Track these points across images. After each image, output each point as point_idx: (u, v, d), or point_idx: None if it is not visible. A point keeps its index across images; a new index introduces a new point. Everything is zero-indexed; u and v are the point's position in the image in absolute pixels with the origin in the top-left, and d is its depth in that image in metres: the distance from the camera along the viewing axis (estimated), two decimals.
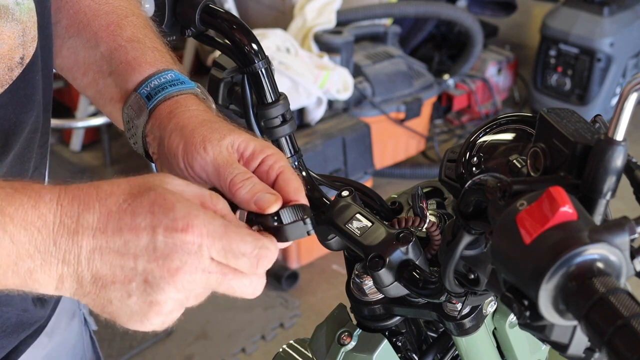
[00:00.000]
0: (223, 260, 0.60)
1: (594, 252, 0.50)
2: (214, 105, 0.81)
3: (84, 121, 3.10)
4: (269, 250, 0.62)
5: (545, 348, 1.03)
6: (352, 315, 0.95)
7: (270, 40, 2.78)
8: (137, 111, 0.77)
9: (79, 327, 1.01)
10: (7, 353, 0.86)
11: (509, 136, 0.77)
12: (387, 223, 0.81)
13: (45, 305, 0.91)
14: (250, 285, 0.62)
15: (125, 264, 0.58)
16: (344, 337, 0.93)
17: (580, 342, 0.55)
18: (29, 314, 0.87)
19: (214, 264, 0.60)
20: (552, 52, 3.46)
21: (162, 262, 0.58)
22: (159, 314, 0.60)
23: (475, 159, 0.73)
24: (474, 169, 0.72)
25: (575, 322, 0.52)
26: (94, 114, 3.17)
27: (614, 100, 3.47)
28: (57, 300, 0.94)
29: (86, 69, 0.82)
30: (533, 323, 0.53)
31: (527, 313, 0.52)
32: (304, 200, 0.69)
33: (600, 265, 0.50)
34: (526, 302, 0.52)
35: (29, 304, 0.89)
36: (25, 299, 0.88)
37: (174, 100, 0.75)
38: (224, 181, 0.68)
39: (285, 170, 0.70)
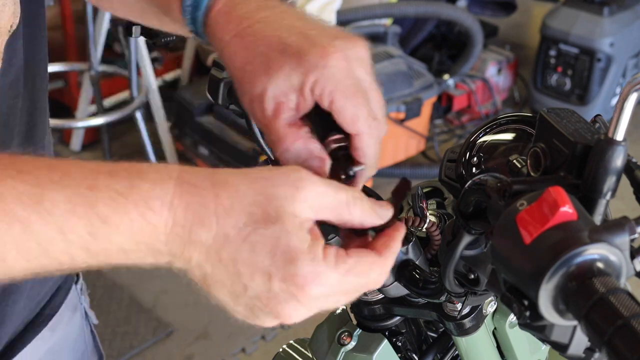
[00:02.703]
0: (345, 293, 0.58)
1: (594, 252, 0.50)
2: None
3: (84, 121, 3.10)
4: (387, 270, 0.58)
5: (545, 348, 1.03)
6: (352, 315, 0.95)
7: None
8: (202, 41, 0.70)
9: (81, 322, 1.01)
10: (11, 344, 0.86)
11: (509, 136, 0.77)
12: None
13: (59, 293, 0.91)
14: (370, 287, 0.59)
15: (235, 285, 0.55)
16: (344, 337, 0.93)
17: (580, 342, 0.55)
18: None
19: (332, 300, 0.57)
20: (552, 52, 3.46)
21: (273, 304, 0.55)
22: (263, 325, 0.58)
23: (475, 159, 0.73)
24: (474, 169, 0.72)
25: (575, 322, 0.52)
26: (94, 114, 3.18)
27: (614, 100, 3.47)
28: (65, 293, 0.94)
29: (143, 14, 0.78)
30: (533, 323, 0.53)
31: (527, 313, 0.52)
32: (362, 126, 0.60)
33: (600, 265, 0.50)
34: (526, 302, 0.52)
35: (43, 296, 0.89)
36: (39, 292, 0.89)
37: (208, 32, 0.66)
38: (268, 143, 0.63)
39: (335, 96, 0.60)
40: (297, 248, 0.53)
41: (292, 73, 0.60)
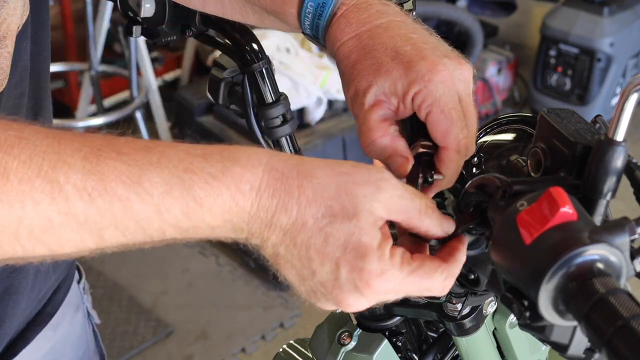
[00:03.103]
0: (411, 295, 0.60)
1: (594, 252, 0.50)
2: None
3: (84, 121, 3.10)
4: (453, 278, 0.60)
5: (545, 348, 1.03)
6: (352, 315, 0.95)
7: (270, 40, 2.78)
8: (319, 47, 0.75)
9: (83, 321, 1.01)
10: (12, 343, 0.86)
11: (509, 136, 0.77)
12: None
13: (59, 292, 0.92)
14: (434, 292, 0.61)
15: (304, 270, 0.58)
16: (344, 337, 0.93)
17: (580, 342, 0.55)
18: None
19: (392, 295, 0.59)
20: (552, 52, 3.46)
21: (337, 292, 0.58)
22: (323, 308, 0.61)
23: (475, 159, 0.73)
24: (474, 169, 0.72)
25: (575, 323, 0.52)
26: (94, 114, 3.18)
27: (614, 100, 3.47)
28: (66, 291, 0.95)
29: (241, 12, 0.80)
30: (533, 323, 0.53)
31: (527, 313, 0.52)
32: (451, 142, 0.65)
33: (600, 265, 0.50)
34: (526, 303, 0.52)
35: (44, 296, 0.90)
36: (41, 291, 0.90)
37: (328, 34, 0.71)
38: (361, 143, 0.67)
39: (432, 109, 0.65)
40: (368, 245, 0.56)
41: (399, 80, 0.65)
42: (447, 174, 0.67)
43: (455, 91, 0.66)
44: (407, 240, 0.62)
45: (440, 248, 0.62)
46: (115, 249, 0.58)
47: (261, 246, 0.59)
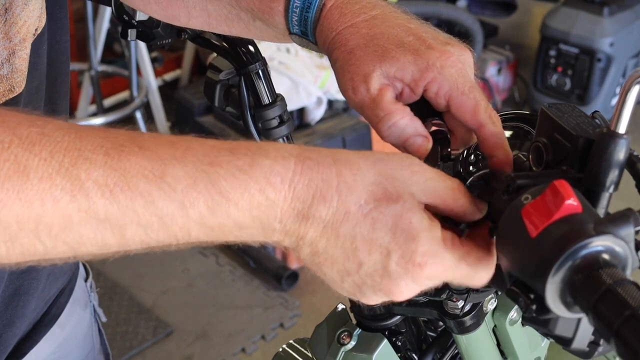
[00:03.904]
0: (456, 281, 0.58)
1: (599, 244, 0.50)
2: None
3: (84, 121, 3.10)
4: (492, 270, 0.59)
5: (545, 345, 1.03)
6: (352, 315, 0.95)
7: None
8: (308, 46, 0.74)
9: (90, 319, 1.02)
10: (20, 343, 0.86)
11: (506, 134, 0.77)
12: None
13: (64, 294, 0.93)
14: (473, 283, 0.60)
15: (348, 262, 0.55)
16: (344, 337, 0.93)
17: (584, 335, 0.54)
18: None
19: (439, 281, 0.57)
20: (552, 52, 3.46)
21: (386, 281, 0.55)
22: (369, 302, 0.58)
23: (472, 157, 0.73)
24: (471, 167, 0.72)
25: (582, 315, 0.52)
26: (94, 114, 3.18)
27: (614, 100, 3.47)
28: (70, 292, 0.95)
29: (226, 21, 0.79)
30: (539, 317, 0.53)
31: (534, 307, 0.52)
32: (485, 117, 0.64)
33: (606, 257, 0.50)
34: (532, 296, 0.52)
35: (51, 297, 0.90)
36: (49, 293, 0.90)
37: (319, 26, 0.71)
38: (373, 127, 0.65)
39: (452, 94, 0.64)
40: (418, 226, 0.54)
41: (408, 67, 0.65)
42: (499, 153, 0.64)
43: (466, 73, 0.66)
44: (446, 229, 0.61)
45: (477, 239, 0.60)
46: (139, 249, 0.56)
47: (297, 246, 0.56)
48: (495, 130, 0.65)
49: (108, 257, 0.57)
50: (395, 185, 0.55)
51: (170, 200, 0.52)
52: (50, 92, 0.79)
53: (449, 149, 0.67)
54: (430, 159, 0.66)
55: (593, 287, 0.48)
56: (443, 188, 0.57)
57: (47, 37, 0.76)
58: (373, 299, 0.58)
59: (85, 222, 0.52)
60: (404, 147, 0.64)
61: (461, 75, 0.66)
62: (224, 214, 0.53)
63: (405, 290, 0.56)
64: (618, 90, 3.42)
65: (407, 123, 0.64)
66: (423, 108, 0.67)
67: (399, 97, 0.67)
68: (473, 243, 0.58)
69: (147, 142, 0.53)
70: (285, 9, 0.72)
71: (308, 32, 0.72)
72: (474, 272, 0.58)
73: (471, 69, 0.67)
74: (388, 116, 0.64)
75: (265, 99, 0.91)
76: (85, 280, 1.01)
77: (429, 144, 0.65)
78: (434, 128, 0.67)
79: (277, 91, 0.94)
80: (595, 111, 0.64)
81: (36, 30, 0.72)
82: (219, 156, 0.54)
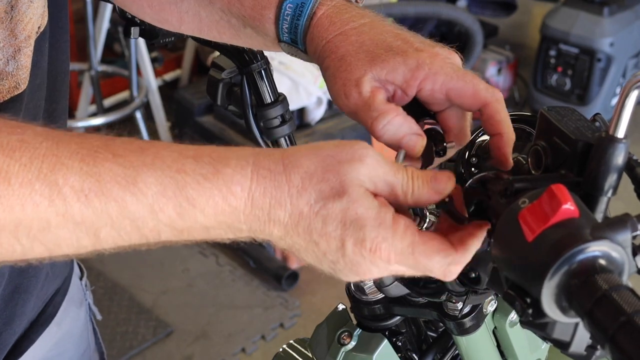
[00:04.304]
0: (414, 271, 0.60)
1: (596, 249, 0.50)
2: None
3: (84, 121, 3.10)
4: (459, 265, 0.60)
5: (545, 347, 1.03)
6: (352, 315, 0.95)
7: None
8: (297, 54, 0.76)
9: (85, 317, 1.02)
10: (19, 342, 0.87)
11: None
12: None
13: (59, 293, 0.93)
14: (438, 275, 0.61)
15: (315, 251, 0.59)
16: (344, 337, 0.93)
17: (581, 339, 0.55)
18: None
19: (401, 268, 0.59)
20: (552, 52, 3.46)
21: (350, 265, 0.58)
22: (348, 281, 0.62)
23: (474, 158, 0.73)
24: (473, 168, 0.72)
25: (577, 320, 0.52)
26: (94, 114, 3.17)
27: (614, 100, 3.47)
28: (64, 292, 0.95)
29: (217, 27, 0.81)
30: (535, 321, 0.53)
31: (530, 311, 0.52)
32: (487, 95, 0.65)
33: (602, 262, 0.50)
34: (529, 300, 0.52)
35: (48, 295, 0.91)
36: (47, 292, 0.91)
37: (310, 34, 0.72)
38: (367, 128, 0.67)
39: (449, 84, 0.66)
40: (364, 215, 0.57)
41: (398, 68, 0.67)
42: (505, 129, 0.66)
43: (457, 65, 0.68)
44: (445, 221, 0.63)
45: (456, 231, 0.61)
46: (112, 249, 0.59)
47: (271, 240, 0.60)
48: (499, 106, 0.66)
49: (80, 257, 0.60)
50: (340, 179, 0.57)
51: (141, 205, 0.55)
52: (50, 90, 0.80)
53: (444, 144, 0.67)
54: (425, 156, 0.67)
55: (589, 292, 0.48)
56: (390, 177, 0.59)
57: (49, 36, 0.76)
58: (350, 278, 0.61)
59: (62, 225, 0.55)
60: (398, 145, 0.66)
61: (452, 67, 0.67)
62: (191, 218, 0.56)
63: (369, 272, 0.59)
64: (618, 90, 3.42)
65: (401, 122, 0.66)
66: (415, 110, 0.68)
67: (390, 100, 0.68)
68: (435, 234, 0.59)
69: (119, 149, 0.56)
70: (276, 17, 0.74)
71: (298, 40, 0.73)
72: (429, 261, 0.58)
73: (460, 68, 0.68)
74: (382, 116, 0.66)
75: (267, 98, 0.91)
76: (80, 279, 1.02)
77: (423, 141, 0.66)
78: (426, 127, 0.68)
79: (278, 91, 0.94)
80: (597, 114, 0.65)
81: (39, 28, 0.73)
82: (185, 163, 0.57)
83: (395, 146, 0.66)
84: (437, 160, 0.68)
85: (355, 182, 0.57)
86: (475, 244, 0.60)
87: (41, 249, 0.56)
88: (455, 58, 0.69)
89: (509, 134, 0.66)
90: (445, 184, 0.60)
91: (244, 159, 0.58)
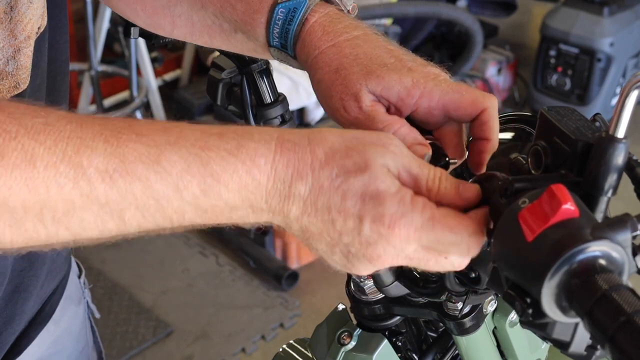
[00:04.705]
0: (431, 247, 0.59)
1: (596, 249, 0.50)
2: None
3: None
4: (480, 237, 0.59)
5: (545, 347, 1.03)
6: (352, 315, 0.95)
7: None
8: (286, 60, 0.76)
9: (83, 315, 1.03)
10: (18, 341, 0.87)
11: (508, 135, 0.77)
12: None
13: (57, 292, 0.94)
14: (453, 264, 0.60)
15: (331, 233, 0.58)
16: (344, 337, 0.93)
17: (582, 339, 0.55)
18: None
19: (417, 251, 0.59)
20: (552, 52, 3.46)
21: (365, 246, 0.58)
22: (359, 273, 0.61)
23: None
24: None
25: (577, 319, 0.52)
26: (94, 114, 3.17)
27: (614, 100, 3.47)
28: (62, 290, 0.96)
29: (209, 31, 0.81)
30: (535, 321, 0.53)
31: (530, 310, 0.52)
32: (484, 100, 0.66)
33: (602, 262, 0.50)
34: (529, 300, 0.52)
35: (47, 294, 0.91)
36: (47, 290, 0.91)
37: (301, 41, 0.73)
38: None
39: (445, 99, 0.67)
40: (385, 191, 0.57)
41: (393, 85, 0.67)
42: (494, 136, 0.67)
43: (449, 80, 0.69)
44: None
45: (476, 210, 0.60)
46: (136, 233, 0.59)
47: (286, 224, 0.59)
48: (495, 112, 0.68)
49: (105, 242, 0.59)
50: (365, 157, 0.57)
51: (166, 183, 0.55)
52: (50, 90, 0.80)
53: (447, 159, 0.68)
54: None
55: (589, 292, 0.48)
56: (416, 167, 0.59)
57: (48, 37, 0.77)
58: (362, 269, 0.60)
59: (87, 207, 0.55)
60: None
61: (445, 82, 0.68)
62: (215, 195, 0.56)
63: (384, 255, 0.58)
64: (618, 90, 3.42)
65: (407, 132, 0.66)
66: (414, 124, 0.69)
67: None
68: (452, 210, 0.59)
69: (143, 129, 0.56)
70: (267, 21, 0.74)
71: (288, 45, 0.74)
72: (451, 234, 0.57)
73: (452, 82, 0.70)
74: (388, 127, 0.66)
75: (267, 98, 0.91)
76: (79, 277, 1.02)
77: (429, 151, 0.66)
78: (427, 141, 0.68)
79: (278, 91, 0.94)
80: (597, 114, 0.65)
81: (39, 28, 0.73)
82: (209, 141, 0.57)
83: None
84: None
85: (379, 160, 0.57)
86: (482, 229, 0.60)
87: (66, 233, 0.56)
88: (446, 75, 0.70)
89: (496, 141, 0.67)
90: (472, 193, 0.60)
91: (268, 133, 0.58)
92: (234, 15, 0.77)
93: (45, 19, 0.74)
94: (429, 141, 0.68)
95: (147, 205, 0.55)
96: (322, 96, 0.71)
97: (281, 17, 0.73)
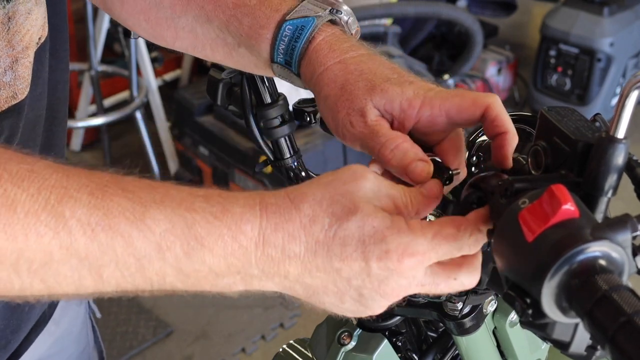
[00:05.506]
0: (444, 258, 0.59)
1: (596, 249, 0.50)
2: (350, 22, 0.77)
3: (84, 121, 3.10)
4: (479, 236, 0.59)
5: (545, 347, 1.03)
6: None
7: None
8: (288, 77, 0.76)
9: (85, 315, 1.02)
10: (20, 343, 0.87)
11: None
12: None
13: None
14: (463, 284, 0.61)
15: (338, 283, 0.58)
16: (344, 337, 0.93)
17: (581, 340, 0.55)
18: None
19: (427, 276, 0.59)
20: (552, 52, 3.46)
21: (377, 284, 0.57)
22: (373, 313, 0.60)
23: (474, 158, 0.73)
24: (473, 168, 0.72)
25: (577, 320, 0.52)
26: (94, 114, 3.17)
27: (614, 100, 3.47)
28: None
29: (212, 44, 0.81)
30: (535, 321, 0.53)
31: (530, 311, 0.52)
32: (487, 99, 0.66)
33: (602, 262, 0.50)
34: (528, 300, 0.52)
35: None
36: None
37: (307, 59, 0.73)
38: (374, 154, 0.67)
39: (447, 104, 0.67)
40: (382, 226, 0.57)
41: (395, 98, 0.68)
42: (510, 127, 0.67)
43: (447, 89, 0.70)
44: None
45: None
46: (113, 293, 0.57)
47: (285, 287, 0.58)
48: (501, 106, 0.67)
49: (79, 298, 0.58)
50: (350, 198, 0.57)
51: (148, 242, 0.54)
52: (51, 98, 0.80)
53: (450, 172, 0.68)
54: None
55: (589, 292, 0.48)
56: (388, 187, 0.60)
57: (49, 46, 0.77)
58: (376, 308, 0.59)
59: (65, 260, 0.53)
60: (405, 172, 0.66)
61: (443, 90, 0.69)
62: (199, 259, 0.55)
63: (398, 288, 0.58)
64: (618, 90, 3.42)
65: (409, 147, 0.66)
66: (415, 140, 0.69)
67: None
68: (445, 219, 0.59)
69: (129, 185, 0.55)
70: (273, 37, 0.74)
71: (292, 62, 0.74)
72: (457, 244, 0.58)
73: (450, 89, 0.70)
74: (390, 141, 0.66)
75: (267, 98, 0.91)
76: None
77: (430, 167, 0.66)
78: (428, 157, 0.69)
79: (279, 91, 0.94)
80: (597, 114, 0.65)
81: (39, 39, 0.73)
82: (194, 202, 0.56)
83: (402, 172, 0.66)
84: (446, 189, 0.68)
85: (364, 198, 0.57)
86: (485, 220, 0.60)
87: (40, 286, 0.54)
88: (441, 88, 0.71)
89: (514, 132, 0.67)
90: (435, 188, 0.61)
91: (251, 198, 0.57)
92: (240, 30, 0.77)
93: (46, 29, 0.74)
94: (429, 157, 0.69)
95: (127, 263, 0.54)
96: (329, 112, 0.71)
97: (288, 34, 0.73)
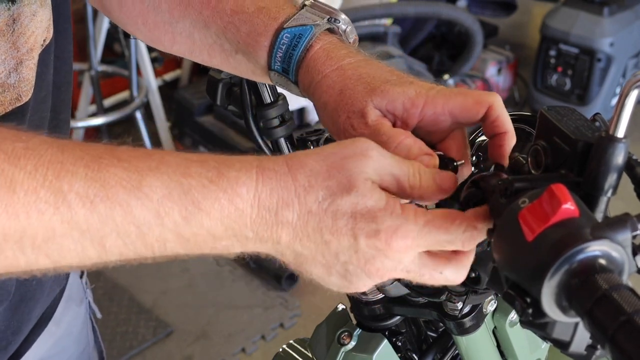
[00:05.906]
0: (429, 252, 0.60)
1: (596, 248, 0.50)
2: (348, 30, 0.77)
3: (84, 121, 3.10)
4: (474, 233, 0.59)
5: (545, 347, 1.03)
6: (352, 315, 0.95)
7: None
8: (285, 85, 0.76)
9: (85, 315, 1.02)
10: (21, 344, 0.87)
11: None
12: None
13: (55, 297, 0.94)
14: (447, 279, 0.61)
15: (326, 255, 0.58)
16: (344, 337, 0.93)
17: (582, 339, 0.55)
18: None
19: (414, 262, 0.59)
20: (552, 52, 3.46)
21: (363, 262, 0.58)
22: (357, 290, 0.61)
23: (474, 158, 0.73)
24: (473, 168, 0.72)
25: (577, 319, 0.52)
26: (94, 114, 3.18)
27: (614, 100, 3.47)
28: (61, 293, 0.96)
29: (209, 50, 0.81)
30: (535, 320, 0.53)
31: (530, 310, 0.52)
32: (488, 98, 0.67)
33: (602, 261, 0.50)
34: (528, 300, 0.52)
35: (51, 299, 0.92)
36: (50, 298, 0.91)
37: (304, 66, 0.73)
38: None
39: (450, 103, 0.68)
40: (375, 207, 0.57)
41: (397, 98, 0.68)
42: (510, 127, 0.68)
43: (448, 88, 0.70)
44: None
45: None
46: (117, 261, 0.58)
47: (277, 251, 0.59)
48: (502, 106, 0.68)
49: (84, 268, 0.59)
50: (347, 175, 0.57)
51: (146, 209, 0.54)
52: (55, 100, 0.80)
53: (455, 163, 0.68)
54: None
55: (589, 292, 0.48)
56: (397, 168, 0.59)
57: (54, 49, 0.77)
58: (361, 285, 0.60)
59: (67, 234, 0.54)
60: None
61: (446, 89, 0.69)
62: (197, 223, 0.56)
63: (383, 269, 0.58)
64: (618, 90, 3.42)
65: (412, 143, 0.67)
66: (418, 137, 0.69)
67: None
68: (443, 211, 0.59)
69: (124, 154, 0.56)
70: (271, 45, 0.75)
71: (290, 70, 0.74)
72: (448, 236, 0.58)
73: (452, 88, 0.71)
74: (392, 138, 0.67)
75: (267, 98, 0.91)
76: (80, 277, 1.02)
77: (435, 161, 0.66)
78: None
79: (279, 91, 0.94)
80: (597, 113, 0.65)
81: (44, 41, 0.73)
82: (190, 167, 0.56)
83: None
84: None
85: (362, 175, 0.57)
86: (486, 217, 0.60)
87: (46, 261, 0.55)
88: (442, 87, 0.71)
89: (513, 132, 0.68)
90: (450, 181, 0.61)
91: (249, 162, 0.58)
92: (237, 37, 0.77)
93: (51, 31, 0.74)
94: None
95: (128, 231, 0.55)
96: (329, 118, 0.71)
97: (286, 42, 0.74)
